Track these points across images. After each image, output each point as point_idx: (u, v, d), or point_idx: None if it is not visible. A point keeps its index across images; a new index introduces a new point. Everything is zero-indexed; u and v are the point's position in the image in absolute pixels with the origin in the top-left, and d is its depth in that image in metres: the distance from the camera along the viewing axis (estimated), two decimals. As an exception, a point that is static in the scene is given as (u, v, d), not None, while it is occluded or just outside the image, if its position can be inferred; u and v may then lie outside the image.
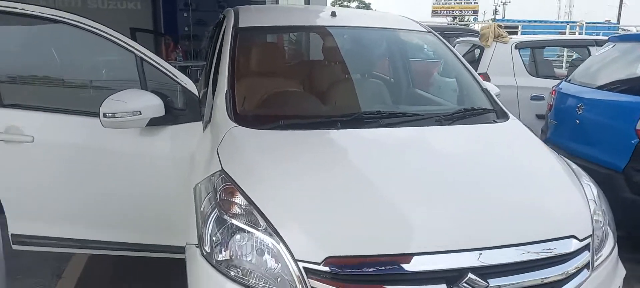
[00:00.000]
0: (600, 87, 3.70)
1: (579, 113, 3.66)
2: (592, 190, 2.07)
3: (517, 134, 2.47)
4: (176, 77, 2.56)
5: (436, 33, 3.21)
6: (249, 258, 1.69)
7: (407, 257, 1.62)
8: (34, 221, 2.70)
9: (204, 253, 1.77)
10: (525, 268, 1.71)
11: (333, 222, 1.71)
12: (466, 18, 27.78)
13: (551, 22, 24.56)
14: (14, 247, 2.73)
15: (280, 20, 3.27)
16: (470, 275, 1.62)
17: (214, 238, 1.76)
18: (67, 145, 2.59)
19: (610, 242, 1.96)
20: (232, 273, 1.69)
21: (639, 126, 3.15)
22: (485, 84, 2.96)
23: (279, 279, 1.63)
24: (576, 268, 1.76)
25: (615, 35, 4.90)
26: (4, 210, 2.67)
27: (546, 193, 1.98)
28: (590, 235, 1.84)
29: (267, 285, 1.64)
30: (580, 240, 1.80)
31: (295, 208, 1.76)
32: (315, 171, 1.98)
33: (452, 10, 26.63)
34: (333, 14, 3.14)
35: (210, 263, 1.74)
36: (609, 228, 2.00)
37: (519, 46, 5.37)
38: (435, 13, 26.68)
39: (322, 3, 6.70)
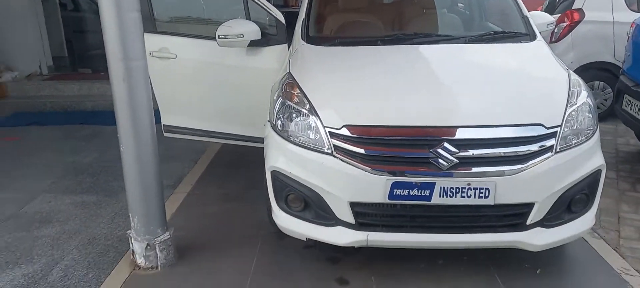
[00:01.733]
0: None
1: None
2: (578, 96, 2.48)
3: (533, 50, 2.92)
4: (269, 10, 3.42)
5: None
6: (302, 131, 2.50)
7: (400, 129, 2.31)
8: (176, 115, 3.83)
9: (272, 125, 2.64)
10: (493, 144, 2.28)
11: (352, 103, 2.47)
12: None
13: None
14: (165, 135, 3.90)
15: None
16: (445, 144, 2.25)
17: (278, 114, 2.60)
18: (198, 60, 3.62)
19: (583, 138, 2.39)
20: (292, 139, 2.52)
21: None
22: (532, 14, 3.35)
23: (318, 142, 2.43)
24: (540, 148, 2.28)
25: None
26: (159, 106, 3.83)
27: (529, 91, 2.49)
28: (559, 126, 2.32)
29: (311, 145, 2.44)
30: (547, 128, 2.30)
31: (330, 95, 2.54)
32: (349, 71, 2.75)
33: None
34: None
35: (275, 131, 2.60)
36: (590, 128, 2.43)
37: (620, -21, 5.24)
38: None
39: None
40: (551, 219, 2.41)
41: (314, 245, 2.83)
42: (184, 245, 2.92)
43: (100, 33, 2.46)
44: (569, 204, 2.43)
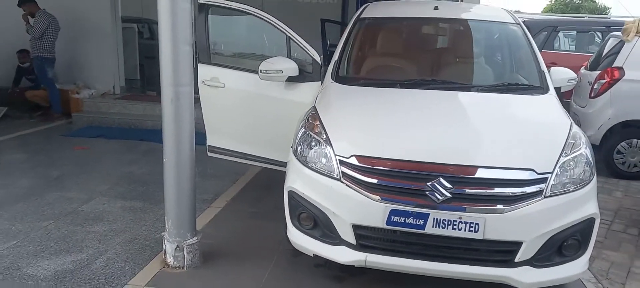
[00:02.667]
0: None
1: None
2: (575, 147, 2.65)
3: (541, 103, 3.11)
4: (308, 50, 3.81)
5: (523, 25, 3.86)
6: (317, 158, 2.82)
7: (400, 162, 2.57)
8: (220, 137, 4.26)
9: (294, 151, 2.98)
10: (485, 184, 2.49)
11: (363, 136, 2.77)
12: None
13: None
14: (208, 154, 4.33)
15: (396, 13, 4.25)
16: (441, 179, 2.49)
17: (300, 142, 2.94)
18: (243, 90, 4.05)
19: (577, 187, 2.55)
20: (309, 165, 2.85)
21: None
22: (555, 70, 3.51)
23: (329, 168, 2.74)
24: (531, 191, 2.46)
25: None
26: (206, 128, 4.28)
27: (526, 138, 2.71)
28: (550, 173, 2.50)
29: (325, 171, 2.75)
30: (538, 174, 2.49)
31: (345, 128, 2.85)
32: (366, 108, 3.06)
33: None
34: (436, 8, 4.02)
35: (296, 157, 2.94)
36: (584, 179, 2.59)
37: (665, 42, 5.24)
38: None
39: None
40: (541, 260, 2.56)
41: (324, 264, 3.10)
42: (210, 252, 3.28)
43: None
44: (559, 248, 2.58)
